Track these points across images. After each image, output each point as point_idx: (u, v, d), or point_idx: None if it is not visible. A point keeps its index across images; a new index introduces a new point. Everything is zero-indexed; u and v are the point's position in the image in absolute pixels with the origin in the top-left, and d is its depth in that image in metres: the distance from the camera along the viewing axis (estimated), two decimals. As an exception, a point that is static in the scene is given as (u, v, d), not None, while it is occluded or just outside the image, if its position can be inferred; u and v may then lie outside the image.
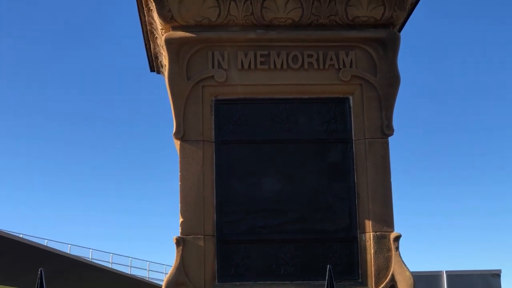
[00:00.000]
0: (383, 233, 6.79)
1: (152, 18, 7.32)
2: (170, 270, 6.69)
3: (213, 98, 7.03)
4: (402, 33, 7.49)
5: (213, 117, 7.00)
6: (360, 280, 6.78)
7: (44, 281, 5.52)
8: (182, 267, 6.66)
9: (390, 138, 7.03)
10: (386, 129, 6.97)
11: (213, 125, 6.99)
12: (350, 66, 7.06)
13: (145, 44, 8.18)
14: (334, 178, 6.97)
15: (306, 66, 7.05)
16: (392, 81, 7.04)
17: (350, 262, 6.83)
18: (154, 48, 8.07)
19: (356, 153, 6.97)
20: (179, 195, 6.82)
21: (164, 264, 45.14)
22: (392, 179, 6.96)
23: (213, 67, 7.02)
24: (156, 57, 8.29)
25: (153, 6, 7.00)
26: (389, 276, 6.71)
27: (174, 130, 6.92)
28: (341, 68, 7.05)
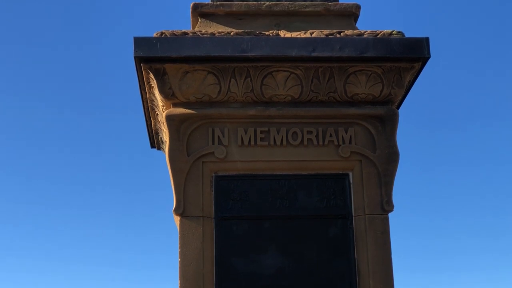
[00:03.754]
0: (384, 310, 6.71)
1: (153, 95, 7.39)
2: None
3: (213, 174, 7.05)
4: (401, 109, 7.56)
5: (213, 193, 7.00)
6: None
7: None
8: None
9: (390, 214, 7.02)
10: (386, 205, 6.97)
11: (213, 201, 6.98)
12: (350, 142, 7.10)
13: (146, 121, 8.24)
14: (334, 254, 6.93)
15: (305, 143, 7.09)
16: (391, 158, 7.07)
17: None
18: (155, 125, 8.12)
19: (356, 229, 6.95)
20: (179, 272, 6.77)
21: None
22: (392, 255, 6.93)
23: (213, 143, 7.06)
24: (157, 134, 8.34)
25: (154, 83, 7.08)
26: None
27: (174, 206, 6.92)
28: (340, 145, 7.09)
